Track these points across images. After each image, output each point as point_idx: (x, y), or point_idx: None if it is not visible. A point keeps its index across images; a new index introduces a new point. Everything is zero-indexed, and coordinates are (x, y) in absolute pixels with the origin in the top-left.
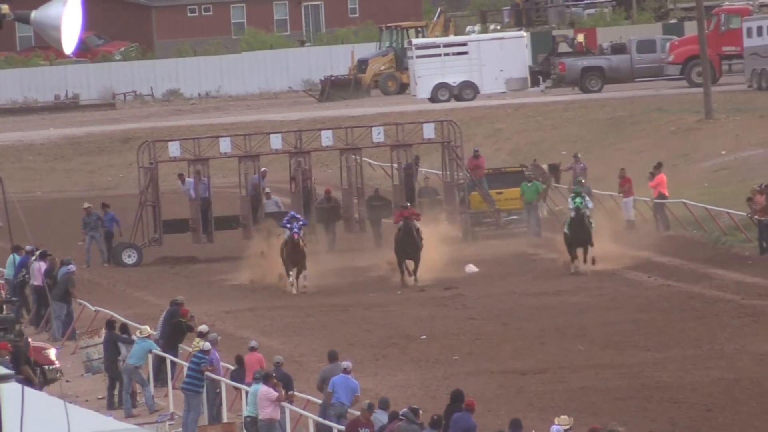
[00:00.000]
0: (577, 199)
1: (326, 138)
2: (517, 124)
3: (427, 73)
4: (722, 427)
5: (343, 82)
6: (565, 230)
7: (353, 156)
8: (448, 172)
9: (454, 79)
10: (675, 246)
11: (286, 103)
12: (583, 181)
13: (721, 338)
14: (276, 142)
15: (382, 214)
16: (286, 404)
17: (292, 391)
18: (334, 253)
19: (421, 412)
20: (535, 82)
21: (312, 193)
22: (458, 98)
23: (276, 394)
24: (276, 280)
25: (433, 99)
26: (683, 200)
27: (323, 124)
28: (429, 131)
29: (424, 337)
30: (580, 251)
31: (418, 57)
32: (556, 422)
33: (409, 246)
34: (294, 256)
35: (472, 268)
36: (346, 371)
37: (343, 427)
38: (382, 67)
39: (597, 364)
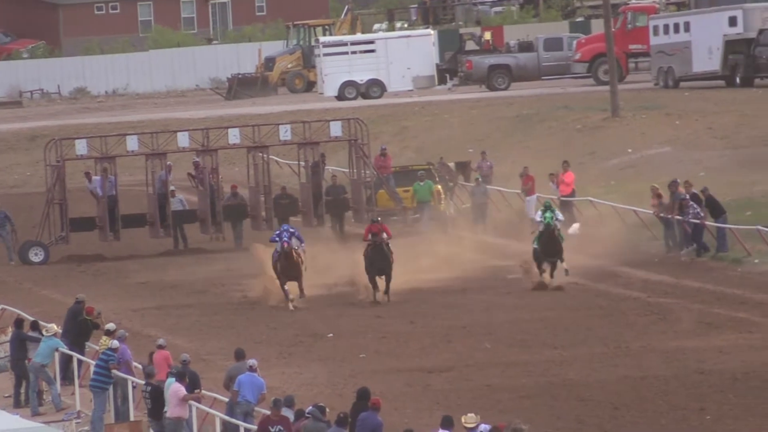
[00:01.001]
0: (547, 214)
1: (233, 136)
2: (424, 122)
3: (335, 71)
4: (629, 424)
5: (251, 80)
6: (534, 245)
7: (260, 154)
8: (355, 170)
9: (361, 77)
10: (581, 244)
11: (193, 101)
12: (479, 179)
13: (628, 336)
14: (183, 140)
15: (288, 211)
16: (193, 402)
17: (198, 389)
18: (241, 251)
19: (327, 410)
20: (442, 80)
21: (219, 190)
22: (365, 96)
23: (185, 392)
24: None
25: (341, 97)
26: (589, 198)
27: (230, 122)
28: (336, 129)
29: (331, 335)
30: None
31: (326, 55)
32: (463, 421)
33: (380, 262)
34: (288, 270)
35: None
36: (252, 369)
37: (249, 425)
38: (290, 65)
39: (503, 362)
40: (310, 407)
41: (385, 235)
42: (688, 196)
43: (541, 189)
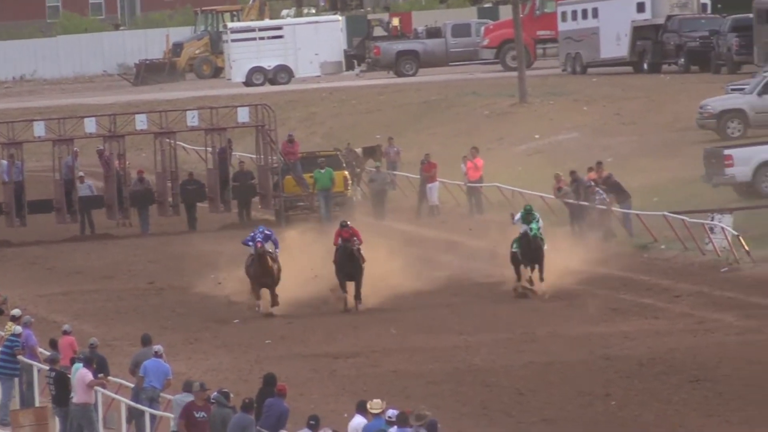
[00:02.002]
0: (533, 225)
1: (140, 122)
2: (331, 108)
3: (242, 56)
4: (534, 410)
5: (158, 65)
6: (513, 248)
7: (167, 140)
8: (262, 156)
9: (269, 63)
10: (488, 229)
11: (100, 87)
12: (379, 166)
13: (534, 322)
14: (90, 125)
15: (195, 197)
16: (98, 388)
17: (104, 374)
18: (148, 237)
19: (232, 395)
20: (350, 66)
21: (126, 176)
22: (273, 82)
23: (92, 377)
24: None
25: (248, 83)
26: (497, 184)
27: (138, 107)
28: (243, 115)
29: (237, 321)
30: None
31: (233, 41)
32: (368, 407)
33: (350, 267)
34: (262, 274)
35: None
36: (157, 355)
37: (155, 411)
38: (197, 51)
39: (409, 347)
40: (215, 393)
41: (356, 240)
42: (593, 183)
43: (450, 174)
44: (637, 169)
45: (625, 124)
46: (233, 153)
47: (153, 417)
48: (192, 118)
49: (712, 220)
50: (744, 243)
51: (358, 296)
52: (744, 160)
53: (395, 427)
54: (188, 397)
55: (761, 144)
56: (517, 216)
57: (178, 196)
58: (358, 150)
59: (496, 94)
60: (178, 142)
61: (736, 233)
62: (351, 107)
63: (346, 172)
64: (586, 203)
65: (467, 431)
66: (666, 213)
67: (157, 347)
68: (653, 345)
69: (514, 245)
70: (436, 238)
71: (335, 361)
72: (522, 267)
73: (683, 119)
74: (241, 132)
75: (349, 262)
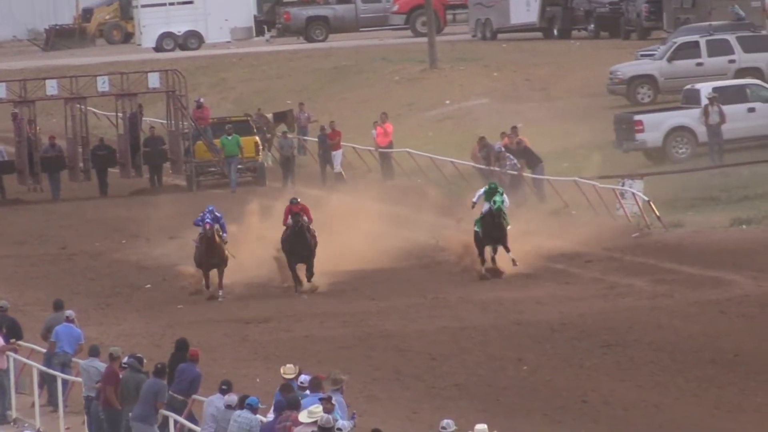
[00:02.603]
0: (497, 198)
1: (51, 87)
2: (242, 74)
3: (152, 22)
4: (446, 375)
5: (68, 31)
6: (476, 228)
7: (78, 105)
8: (173, 122)
9: (179, 29)
10: (399, 195)
11: (10, 53)
12: (286, 132)
13: (447, 287)
14: (0, 91)
15: (106, 163)
16: (10, 353)
17: (14, 339)
18: (59, 203)
19: (145, 360)
20: (260, 32)
21: (37, 142)
22: (183, 47)
23: (2, 342)
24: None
25: (158, 48)
26: (407, 149)
27: (48, 73)
28: (154, 81)
29: (149, 286)
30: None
31: (143, 6)
32: (281, 372)
33: (299, 247)
34: (211, 256)
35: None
36: (69, 320)
37: (66, 376)
38: (107, 17)
39: (321, 312)
40: (127, 357)
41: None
42: (503, 149)
43: (361, 140)
44: (548, 134)
45: (535, 90)
46: (144, 119)
47: (65, 382)
48: (102, 84)
49: (622, 186)
50: (654, 208)
51: (309, 279)
52: (654, 125)
53: (309, 392)
54: (95, 362)
55: (671, 110)
56: (479, 192)
57: (89, 161)
58: (269, 115)
59: (407, 60)
60: (88, 108)
61: (646, 198)
62: (261, 73)
63: (257, 138)
64: (497, 168)
65: (379, 396)
66: (577, 178)
67: (69, 312)
68: (565, 310)
69: (476, 225)
70: (341, 204)
71: (247, 327)
72: (485, 248)
73: (593, 85)
74: (152, 98)
75: (298, 241)
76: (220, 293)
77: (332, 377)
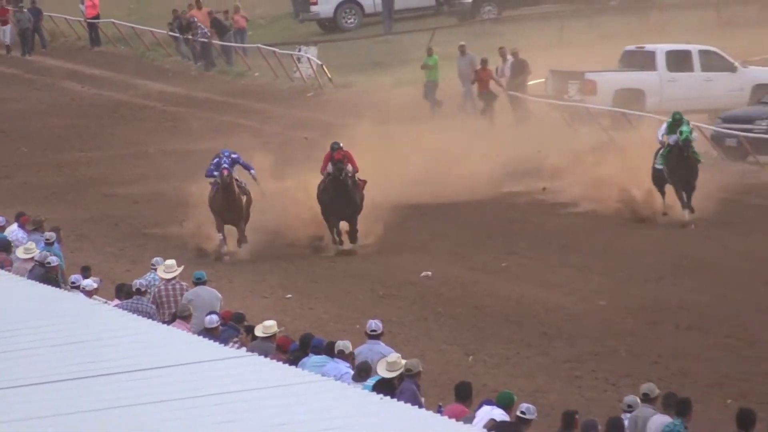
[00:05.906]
0: (684, 128)
1: None
2: None
3: None
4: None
5: None
6: (658, 165)
7: None
8: None
9: None
10: (104, 60)
11: None
12: (23, 7)
13: (147, 140)
14: None
15: None
16: None
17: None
18: None
19: None
20: None
21: None
22: None
23: None
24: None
25: None
26: (112, 20)
27: None
28: None
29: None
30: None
31: None
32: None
33: (342, 203)
34: (227, 208)
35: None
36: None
37: None
38: None
39: (37, 162)
40: None
41: (350, 168)
42: (196, 19)
43: (71, 11)
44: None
45: None
46: None
47: None
48: None
49: (299, 52)
50: (327, 71)
51: (353, 240)
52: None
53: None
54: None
55: None
56: (662, 128)
57: None
58: None
59: None
60: None
61: (320, 63)
62: None
63: None
64: (190, 37)
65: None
66: (260, 45)
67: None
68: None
69: (659, 161)
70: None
71: None
72: (667, 187)
73: None
74: None
75: (341, 195)
76: (239, 246)
77: (35, 219)
